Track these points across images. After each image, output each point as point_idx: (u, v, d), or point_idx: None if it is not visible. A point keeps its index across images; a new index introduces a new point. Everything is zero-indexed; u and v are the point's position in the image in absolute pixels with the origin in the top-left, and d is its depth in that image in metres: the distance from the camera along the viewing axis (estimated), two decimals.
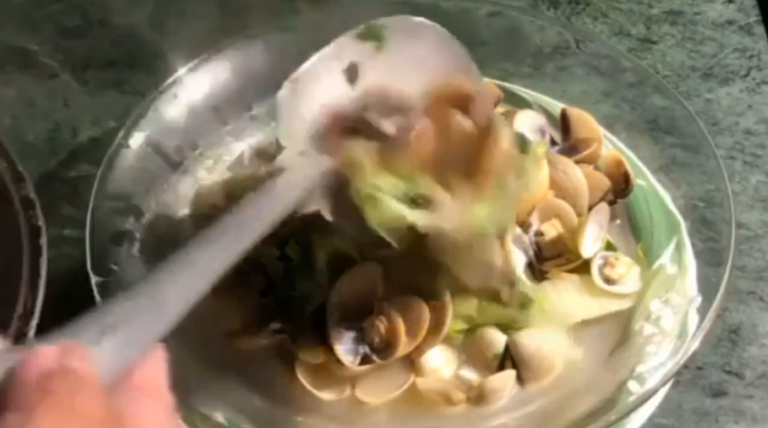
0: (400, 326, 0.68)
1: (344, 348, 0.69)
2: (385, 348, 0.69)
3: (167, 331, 0.49)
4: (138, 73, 0.97)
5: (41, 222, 0.71)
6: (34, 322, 0.67)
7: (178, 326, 0.73)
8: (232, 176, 0.80)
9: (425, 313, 0.69)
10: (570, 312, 0.71)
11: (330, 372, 0.69)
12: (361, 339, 0.70)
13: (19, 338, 0.66)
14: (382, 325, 0.69)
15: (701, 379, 0.75)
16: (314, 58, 0.68)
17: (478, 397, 0.68)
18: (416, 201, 0.65)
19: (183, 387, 0.68)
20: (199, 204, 0.79)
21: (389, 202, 0.64)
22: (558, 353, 0.69)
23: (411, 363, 0.69)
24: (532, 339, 0.69)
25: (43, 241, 0.70)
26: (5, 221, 0.71)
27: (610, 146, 0.82)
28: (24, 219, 0.71)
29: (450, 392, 0.68)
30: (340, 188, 0.64)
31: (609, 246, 0.74)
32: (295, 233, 0.71)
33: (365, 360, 0.69)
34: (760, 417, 0.73)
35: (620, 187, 0.77)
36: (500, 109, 0.82)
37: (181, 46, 0.97)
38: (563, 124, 0.81)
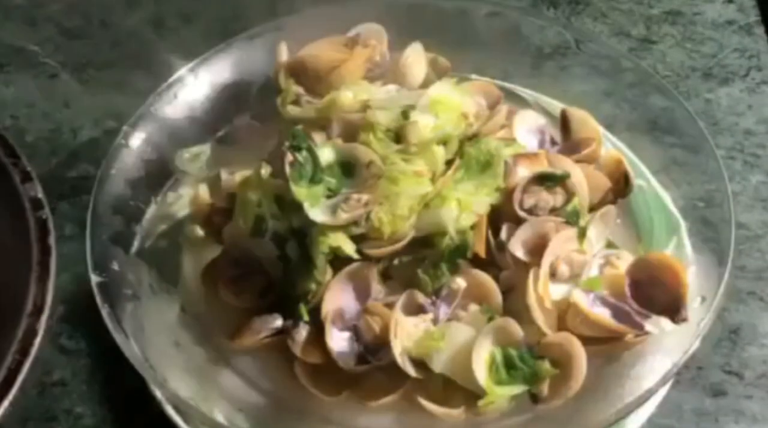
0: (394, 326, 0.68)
1: (339, 348, 0.69)
2: (379, 348, 0.69)
3: None
4: (138, 73, 0.97)
5: (50, 221, 0.72)
6: (44, 318, 0.68)
7: (179, 326, 0.74)
8: (232, 176, 0.80)
9: None
10: None
11: (330, 372, 0.69)
12: (355, 339, 0.70)
13: (29, 334, 0.66)
14: (376, 325, 0.69)
15: (701, 379, 0.75)
16: None
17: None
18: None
19: (184, 387, 0.68)
20: (198, 204, 0.79)
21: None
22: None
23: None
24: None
25: (52, 240, 0.71)
26: (14, 219, 0.73)
27: (610, 146, 0.82)
28: (33, 219, 0.72)
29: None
30: None
31: (610, 245, 0.74)
32: (296, 233, 0.71)
33: (361, 360, 0.69)
34: (760, 417, 0.73)
35: (620, 187, 0.77)
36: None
37: (181, 46, 0.97)
38: (563, 124, 0.81)
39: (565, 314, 0.70)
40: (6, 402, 0.65)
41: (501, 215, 0.73)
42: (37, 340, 0.67)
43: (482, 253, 0.71)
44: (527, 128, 0.80)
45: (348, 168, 0.72)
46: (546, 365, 0.67)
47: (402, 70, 0.81)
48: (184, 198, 0.81)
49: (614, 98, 0.85)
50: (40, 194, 0.74)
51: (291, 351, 0.70)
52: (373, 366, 0.69)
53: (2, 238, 0.73)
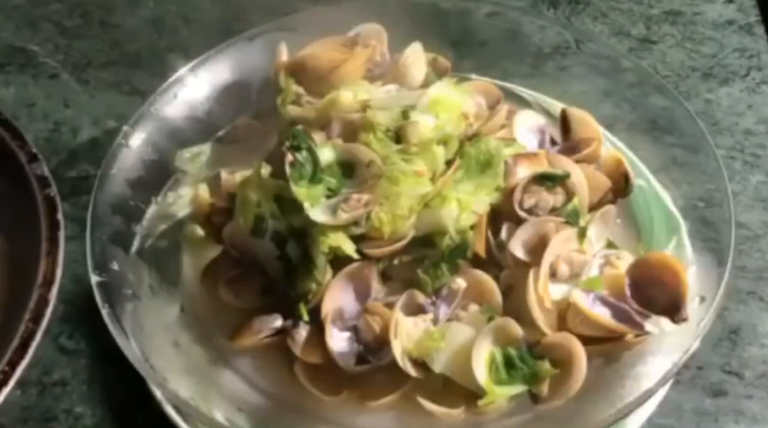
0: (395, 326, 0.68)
1: (339, 348, 0.69)
2: (379, 348, 0.69)
3: None
4: (138, 73, 0.97)
5: (57, 198, 0.76)
6: (55, 289, 0.71)
7: (179, 326, 0.74)
8: (232, 176, 0.80)
9: None
10: None
11: (330, 372, 0.69)
12: (355, 339, 0.70)
13: (41, 304, 0.70)
14: (376, 325, 0.69)
15: (701, 379, 0.75)
16: None
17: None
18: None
19: (184, 387, 0.68)
20: (198, 204, 0.79)
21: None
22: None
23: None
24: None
25: (60, 216, 0.74)
26: (24, 198, 0.76)
27: (610, 146, 0.82)
28: (41, 196, 0.75)
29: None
30: None
31: (610, 245, 0.74)
32: (295, 233, 0.71)
33: (361, 360, 0.69)
34: (760, 417, 0.73)
35: (620, 187, 0.77)
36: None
37: (181, 46, 0.97)
38: (563, 124, 0.81)
39: (565, 314, 0.70)
40: (20, 368, 0.68)
41: (501, 215, 0.73)
42: (49, 309, 0.70)
43: (482, 253, 0.71)
44: (527, 128, 0.80)
45: (348, 168, 0.72)
46: (546, 365, 0.67)
47: (402, 70, 0.81)
48: (184, 198, 0.80)
49: (614, 98, 0.85)
50: (47, 173, 0.78)
51: (291, 351, 0.70)
52: (373, 366, 0.69)
53: (13, 215, 0.77)
